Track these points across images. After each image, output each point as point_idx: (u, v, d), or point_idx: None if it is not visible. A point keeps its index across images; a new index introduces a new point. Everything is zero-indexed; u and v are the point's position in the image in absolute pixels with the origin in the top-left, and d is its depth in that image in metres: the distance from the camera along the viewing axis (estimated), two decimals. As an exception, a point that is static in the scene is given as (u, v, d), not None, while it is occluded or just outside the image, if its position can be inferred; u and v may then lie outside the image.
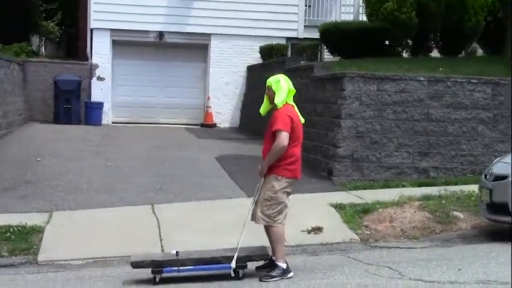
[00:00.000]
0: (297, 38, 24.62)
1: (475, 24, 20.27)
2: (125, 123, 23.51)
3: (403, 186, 13.31)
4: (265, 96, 8.49)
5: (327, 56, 23.29)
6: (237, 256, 8.08)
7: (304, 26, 24.61)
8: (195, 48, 24.66)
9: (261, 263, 8.40)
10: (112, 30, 23.81)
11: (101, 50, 23.78)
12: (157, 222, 11.14)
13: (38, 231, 10.54)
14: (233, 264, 8.05)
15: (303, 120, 8.48)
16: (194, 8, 24.10)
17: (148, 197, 12.73)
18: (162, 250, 9.71)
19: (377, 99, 14.14)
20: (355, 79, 14.17)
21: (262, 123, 20.32)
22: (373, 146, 14.06)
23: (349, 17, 24.02)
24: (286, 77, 8.50)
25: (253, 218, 8.33)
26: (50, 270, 9.19)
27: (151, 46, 24.52)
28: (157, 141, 19.16)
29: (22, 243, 10.04)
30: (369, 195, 12.36)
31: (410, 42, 20.84)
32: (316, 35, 22.19)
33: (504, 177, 9.96)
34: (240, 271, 8.12)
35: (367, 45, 19.23)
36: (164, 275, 8.11)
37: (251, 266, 8.31)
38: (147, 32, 24.08)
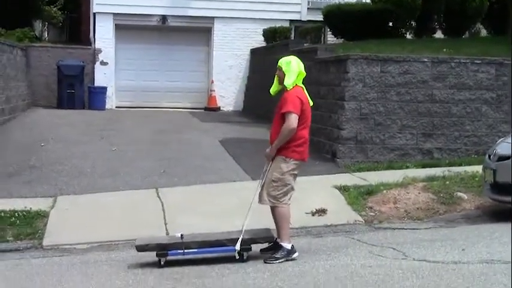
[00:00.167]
0: (300, 20, 24.56)
1: (479, 4, 20.20)
2: (128, 108, 23.50)
3: (407, 167, 13.31)
4: (275, 76, 8.44)
5: (331, 38, 23.20)
6: (242, 238, 8.09)
7: (308, 8, 24.56)
8: (198, 31, 24.61)
9: (266, 245, 8.42)
10: (115, 14, 23.78)
11: (103, 35, 23.74)
12: (162, 205, 11.16)
13: (42, 215, 10.57)
14: (237, 246, 8.06)
15: (311, 103, 8.45)
16: (197, -9, 24.06)
17: (153, 181, 12.75)
18: (167, 233, 9.74)
19: (380, 81, 14.12)
20: (358, 61, 14.15)
21: (266, 106, 20.37)
22: (377, 128, 14.05)
23: (353, -1, 23.94)
24: (298, 59, 8.41)
25: (260, 199, 8.34)
26: (55, 254, 9.22)
27: (154, 30, 24.48)
28: (161, 125, 19.16)
29: (27, 228, 10.07)
30: (373, 177, 12.37)
31: (413, 23, 20.78)
32: (319, 17, 22.11)
33: (508, 158, 9.94)
34: (245, 253, 8.12)
35: (371, 27, 19.17)
36: (169, 258, 8.13)
37: (256, 248, 8.33)
38: (150, 15, 24.05)
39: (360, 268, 7.47)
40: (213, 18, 24.25)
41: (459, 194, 11.13)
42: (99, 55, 23.71)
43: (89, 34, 24.07)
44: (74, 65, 22.45)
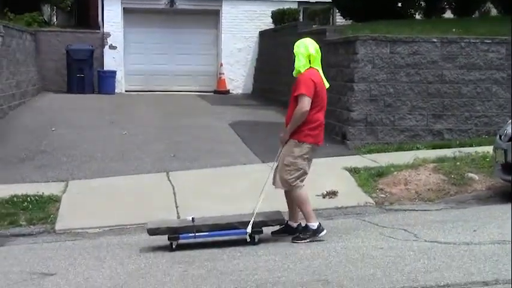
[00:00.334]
0: (308, 2, 24.51)
1: (489, -17, 20.07)
2: (138, 92, 23.54)
3: (418, 148, 13.29)
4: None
5: (339, 19, 23.16)
6: (253, 221, 8.11)
7: (316, -11, 24.48)
8: (207, 14, 24.58)
9: (277, 227, 8.44)
10: (123, -3, 23.78)
11: (112, 18, 23.75)
12: (173, 189, 11.19)
13: (54, 200, 10.61)
14: (249, 229, 8.07)
15: (327, 85, 8.37)
16: (205, -26, 24.01)
17: (163, 165, 12.78)
18: (178, 217, 9.78)
19: (390, 62, 14.07)
20: (367, 42, 14.10)
21: (276, 89, 20.32)
22: (387, 109, 14.03)
23: (361, -21, 23.80)
24: (309, 42, 8.28)
25: (274, 183, 8.35)
26: (67, 238, 9.27)
27: (162, 13, 24.47)
28: (171, 108, 19.19)
29: (39, 212, 10.13)
30: (383, 159, 12.36)
31: (423, 3, 20.66)
32: (328, -2, 22.06)
33: (519, 138, 9.92)
34: (256, 236, 8.14)
35: (380, 7, 19.07)
36: (180, 241, 8.15)
37: (267, 230, 8.35)
38: (158, -2, 24.03)
39: (371, 250, 7.48)
40: (221, 0, 24.19)
41: (470, 174, 11.11)
42: (107, 39, 23.72)
43: (98, 18, 24.08)
44: (83, 49, 22.49)
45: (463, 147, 12.98)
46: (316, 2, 24.14)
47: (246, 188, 10.57)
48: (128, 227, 9.63)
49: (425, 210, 9.93)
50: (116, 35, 23.76)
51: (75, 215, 10.11)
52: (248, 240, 8.11)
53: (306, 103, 8.02)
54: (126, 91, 23.77)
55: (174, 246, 8.12)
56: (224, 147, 14.08)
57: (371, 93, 14.02)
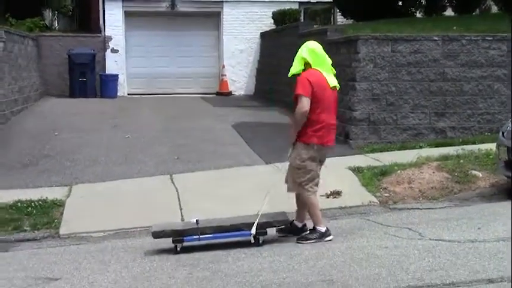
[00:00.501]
0: (309, 2, 24.50)
1: (489, -20, 20.07)
2: (140, 95, 23.55)
3: (421, 147, 13.29)
4: None
5: (340, 19, 23.16)
6: (257, 223, 8.10)
7: (316, -11, 24.47)
8: (208, 16, 24.59)
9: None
10: (124, 0, 23.79)
11: (113, 22, 23.76)
12: (177, 191, 11.18)
13: (58, 205, 10.62)
14: (253, 230, 8.07)
15: (333, 85, 8.26)
16: (205, -24, 24.02)
17: (167, 167, 12.78)
18: (182, 219, 9.77)
19: (391, 61, 14.07)
20: (369, 41, 14.10)
21: (278, 90, 20.31)
22: (389, 108, 14.02)
23: (362, -21, 23.79)
24: (307, 44, 8.31)
25: (287, 187, 8.36)
26: (72, 243, 9.28)
27: (163, 16, 24.47)
28: (174, 111, 19.19)
29: (44, 217, 10.12)
30: (387, 158, 12.35)
31: (423, 1, 20.66)
32: (328, -2, 22.07)
33: (522, 135, 9.90)
34: (260, 237, 8.14)
35: (380, 6, 19.09)
36: (185, 243, 8.16)
37: (272, 232, 8.34)
38: (159, 1, 24.05)
39: (376, 249, 7.48)
40: (221, 2, 24.23)
41: (473, 172, 11.10)
42: (109, 43, 23.73)
43: (99, 22, 24.08)
44: (84, 53, 22.50)
45: (466, 144, 12.97)
46: (316, 2, 24.14)
47: (249, 189, 10.57)
48: (132, 230, 9.63)
49: (429, 208, 9.92)
50: (118, 39, 23.78)
51: (79, 219, 10.11)
52: (252, 241, 8.11)
53: (304, 103, 8.01)
54: (128, 94, 23.78)
55: (178, 249, 8.12)
56: (227, 149, 14.09)
57: (373, 93, 14.02)
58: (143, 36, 24.20)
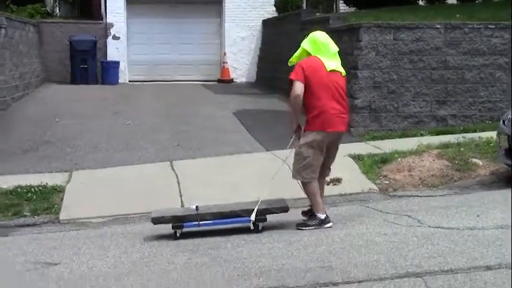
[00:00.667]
0: (312, -11, 24.38)
1: (492, -32, 20.00)
2: (141, 82, 23.50)
3: (421, 135, 13.29)
4: None
5: (343, 7, 23.08)
6: (257, 209, 8.11)
7: (319, -24, 24.34)
8: (209, 3, 24.51)
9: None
10: (125, -13, 23.73)
11: (115, 9, 23.67)
12: (177, 178, 11.19)
13: (58, 190, 10.64)
14: (253, 217, 8.08)
15: (332, 68, 8.26)
16: (207, -38, 23.95)
17: (167, 154, 12.78)
18: (182, 205, 9.79)
19: (393, 49, 14.04)
20: (371, 29, 14.07)
21: (279, 77, 20.28)
22: (391, 96, 14.01)
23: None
24: (313, 34, 8.37)
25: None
26: (71, 228, 9.31)
27: (165, 3, 24.38)
28: (175, 98, 19.17)
29: (44, 202, 10.16)
30: (387, 145, 12.35)
31: (426, -11, 20.63)
32: (331, -15, 21.99)
33: (522, 123, 9.89)
34: (260, 224, 8.15)
35: (383, -6, 19.05)
36: (185, 230, 8.17)
37: (271, 218, 8.35)
38: (161, -12, 23.98)
39: (375, 236, 7.48)
40: (223, -12, 24.15)
41: (474, 160, 11.10)
42: (111, 29, 23.67)
43: (100, 9, 24.00)
44: (86, 40, 22.45)
45: (466, 132, 12.96)
46: (319, -10, 24.04)
47: (250, 177, 10.58)
48: (132, 216, 9.66)
49: (429, 196, 9.93)
50: (119, 26, 23.71)
51: (79, 205, 10.13)
52: (252, 228, 8.12)
53: (295, 87, 8.04)
54: (129, 81, 23.73)
55: (178, 235, 8.13)
56: (228, 136, 14.08)
57: (375, 80, 14.00)
58: (145, 24, 24.13)
